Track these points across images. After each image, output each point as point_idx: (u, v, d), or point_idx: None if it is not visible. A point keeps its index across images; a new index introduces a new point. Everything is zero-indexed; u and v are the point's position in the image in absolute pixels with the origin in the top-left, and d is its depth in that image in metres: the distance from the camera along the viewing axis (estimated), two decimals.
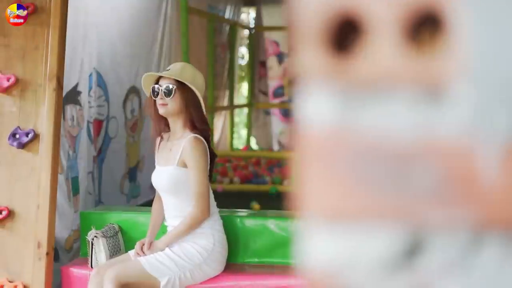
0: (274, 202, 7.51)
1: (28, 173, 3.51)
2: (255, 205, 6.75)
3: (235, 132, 10.69)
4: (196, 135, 3.32)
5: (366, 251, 0.54)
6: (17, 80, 3.56)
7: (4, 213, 3.49)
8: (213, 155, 3.41)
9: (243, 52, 10.86)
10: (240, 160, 9.34)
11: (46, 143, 3.49)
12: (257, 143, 11.03)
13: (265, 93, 11.07)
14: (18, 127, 3.53)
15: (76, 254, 4.89)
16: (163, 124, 3.43)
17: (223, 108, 9.88)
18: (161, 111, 3.34)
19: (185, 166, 3.31)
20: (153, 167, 7.63)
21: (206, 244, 3.30)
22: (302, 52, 0.53)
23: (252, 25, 11.05)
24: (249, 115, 10.90)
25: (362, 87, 0.52)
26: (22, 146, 3.51)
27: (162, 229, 3.48)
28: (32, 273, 3.43)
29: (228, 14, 10.06)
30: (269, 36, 10.91)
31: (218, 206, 3.51)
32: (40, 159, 3.50)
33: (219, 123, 9.77)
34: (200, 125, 3.36)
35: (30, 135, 3.50)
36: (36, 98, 3.55)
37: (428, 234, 0.54)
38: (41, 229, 3.45)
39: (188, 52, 8.12)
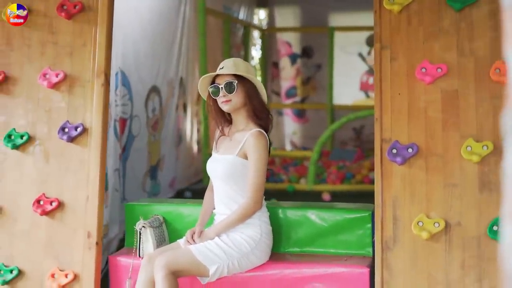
0: (292, 200, 7.64)
1: (77, 165, 3.62)
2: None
3: None
4: (260, 129, 3.42)
5: None
6: (65, 76, 3.68)
7: (54, 204, 3.60)
8: (269, 145, 3.50)
9: (256, 52, 10.96)
10: None
11: (95, 136, 3.61)
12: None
13: (278, 94, 11.19)
14: (67, 121, 3.65)
15: (106, 249, 5.01)
16: (224, 120, 3.54)
17: None
18: (226, 107, 3.44)
19: (244, 157, 3.41)
20: (172, 166, 7.71)
21: (254, 235, 3.41)
22: None
23: (264, 26, 11.16)
24: None
25: None
26: (71, 139, 3.62)
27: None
28: (82, 262, 3.54)
29: (242, 15, 10.18)
30: (282, 37, 11.03)
31: None
32: (89, 151, 3.61)
33: None
34: (261, 114, 3.46)
35: (79, 129, 3.62)
36: (84, 93, 3.66)
37: None
38: (90, 220, 3.56)
39: (206, 52, 8.22)
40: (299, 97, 11.10)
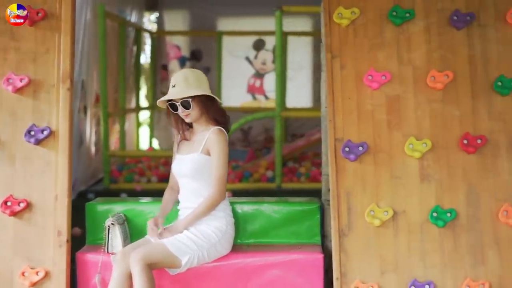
0: None
1: (44, 167, 3.76)
2: None
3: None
4: (219, 127, 3.73)
5: None
6: (30, 81, 3.81)
7: (23, 205, 3.72)
8: None
9: (145, 55, 11.12)
10: (149, 160, 9.64)
11: (63, 139, 3.77)
12: (159, 144, 11.32)
13: None
14: (34, 124, 3.78)
15: None
16: (185, 126, 3.81)
17: (132, 110, 10.17)
18: (187, 120, 3.73)
19: (207, 154, 3.71)
20: (74, 168, 7.74)
21: (220, 226, 3.71)
22: None
23: (154, 29, 11.33)
24: (152, 116, 11.17)
25: None
26: (38, 142, 3.76)
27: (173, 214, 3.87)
28: (53, 259, 3.69)
29: (133, 18, 10.31)
30: (171, 40, 11.25)
31: None
32: (56, 153, 3.76)
33: (126, 125, 9.96)
34: (221, 118, 3.77)
35: (45, 132, 3.76)
36: (49, 97, 3.81)
37: None
38: (60, 218, 3.72)
39: (105, 55, 8.32)
40: None
